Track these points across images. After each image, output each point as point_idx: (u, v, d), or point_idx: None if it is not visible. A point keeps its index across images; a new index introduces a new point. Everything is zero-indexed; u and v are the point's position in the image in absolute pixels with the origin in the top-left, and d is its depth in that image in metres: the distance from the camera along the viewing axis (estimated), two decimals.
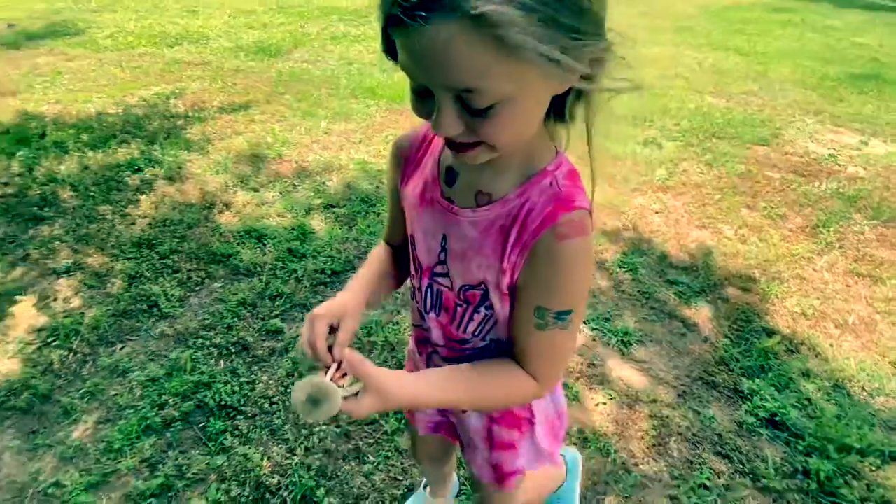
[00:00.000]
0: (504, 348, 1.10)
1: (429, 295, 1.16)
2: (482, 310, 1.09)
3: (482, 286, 1.05)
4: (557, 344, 1.01)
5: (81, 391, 2.43)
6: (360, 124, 5.07)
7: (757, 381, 2.57)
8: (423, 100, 0.82)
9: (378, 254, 1.31)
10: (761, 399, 2.47)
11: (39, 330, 2.73)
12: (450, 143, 0.88)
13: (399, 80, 5.84)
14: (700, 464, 2.22)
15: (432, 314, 1.17)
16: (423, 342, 1.25)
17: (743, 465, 2.22)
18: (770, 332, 2.86)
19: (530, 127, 0.87)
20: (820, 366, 2.69)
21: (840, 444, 2.28)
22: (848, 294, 3.19)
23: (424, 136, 1.14)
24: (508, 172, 0.98)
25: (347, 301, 1.10)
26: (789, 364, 2.67)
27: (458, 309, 1.12)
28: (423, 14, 0.69)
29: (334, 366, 1.01)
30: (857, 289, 3.24)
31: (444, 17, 0.69)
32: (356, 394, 0.97)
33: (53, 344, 2.66)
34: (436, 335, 1.20)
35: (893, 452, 2.27)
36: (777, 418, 2.39)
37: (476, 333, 1.14)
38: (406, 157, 1.16)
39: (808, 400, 2.49)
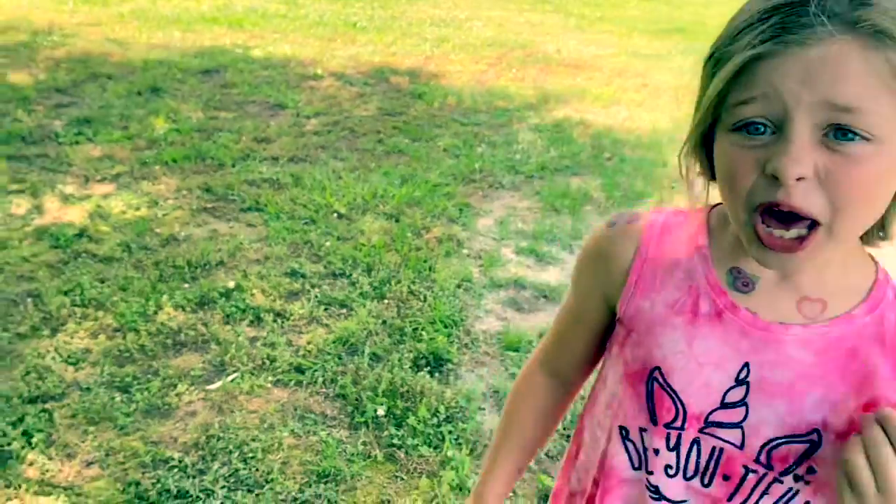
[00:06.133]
0: None
1: (694, 455, 0.84)
2: (787, 480, 0.80)
3: (812, 436, 0.78)
4: None
5: None
6: None
7: None
8: (748, 144, 0.69)
9: (534, 404, 1.06)
10: None
11: None
12: (766, 222, 0.70)
13: None
14: None
15: (695, 483, 0.85)
16: None
17: None
18: None
19: (881, 202, 0.71)
20: None
21: None
22: None
23: (653, 230, 0.88)
24: (840, 273, 0.80)
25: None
26: None
27: (749, 477, 0.82)
28: (823, 27, 0.64)
29: None
30: None
31: (842, 30, 0.64)
32: None
33: None
34: None
35: None
36: None
37: None
38: (638, 259, 0.87)
39: None
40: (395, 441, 2.50)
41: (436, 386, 2.77)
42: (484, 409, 2.70)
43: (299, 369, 2.84)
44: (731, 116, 0.70)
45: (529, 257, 3.85)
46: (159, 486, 2.27)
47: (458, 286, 3.49)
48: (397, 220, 4.15)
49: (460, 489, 2.32)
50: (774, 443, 0.79)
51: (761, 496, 0.81)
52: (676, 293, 0.83)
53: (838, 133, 0.65)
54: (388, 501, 2.28)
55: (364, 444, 2.50)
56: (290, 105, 6.11)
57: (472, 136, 5.70)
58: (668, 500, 0.86)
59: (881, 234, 0.77)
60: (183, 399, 2.65)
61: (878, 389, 0.76)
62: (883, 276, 0.81)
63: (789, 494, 0.81)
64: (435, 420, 2.59)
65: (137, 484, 2.27)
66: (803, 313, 0.79)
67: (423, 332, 3.08)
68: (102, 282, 3.33)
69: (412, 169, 4.92)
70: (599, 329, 0.97)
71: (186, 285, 3.36)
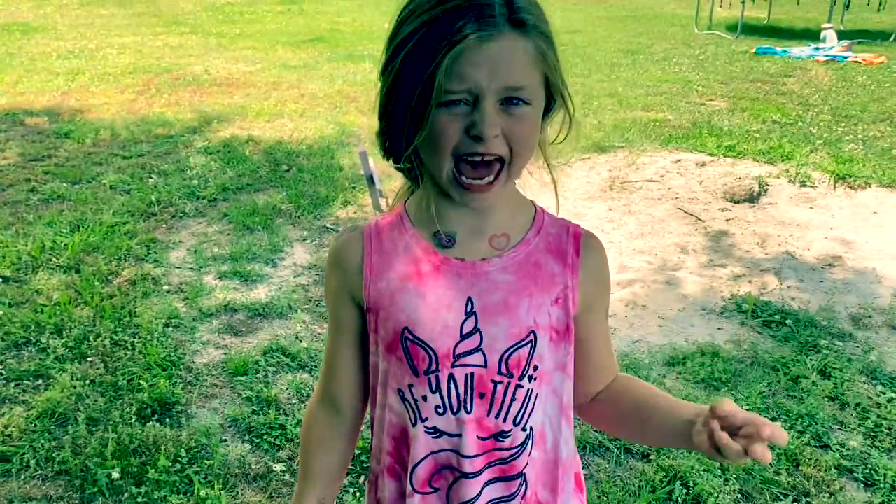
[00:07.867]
0: (542, 436, 1.06)
1: (453, 388, 1.01)
2: (525, 383, 1.02)
3: (530, 337, 1.01)
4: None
5: None
6: None
7: None
8: (455, 113, 0.92)
9: (318, 438, 1.16)
10: None
11: None
12: (465, 174, 0.95)
13: None
14: None
15: (462, 413, 1.01)
16: (442, 471, 1.05)
17: None
18: None
19: (535, 142, 0.99)
20: None
21: None
22: None
23: (371, 229, 1.08)
24: (513, 213, 1.06)
25: None
26: None
27: (498, 389, 1.01)
28: (508, 29, 0.90)
29: None
30: None
31: (513, 31, 0.90)
32: None
33: None
34: (468, 443, 1.02)
35: None
36: None
37: (517, 420, 1.03)
38: (367, 254, 1.06)
39: None
40: (140, 500, 2.32)
41: (169, 432, 2.62)
42: (226, 440, 2.63)
43: (3, 457, 2.49)
44: (439, 97, 0.90)
45: (234, 280, 3.78)
46: None
47: (167, 325, 3.32)
48: (78, 272, 3.78)
49: None
50: (507, 353, 1.01)
51: (511, 403, 1.02)
52: (403, 267, 1.04)
53: (511, 102, 0.92)
54: None
55: None
56: None
57: (138, 168, 5.38)
58: (446, 434, 1.02)
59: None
60: None
61: (557, 284, 1.04)
62: (539, 209, 1.10)
63: (529, 396, 1.03)
64: (178, 466, 2.47)
65: None
66: (495, 246, 1.04)
67: (141, 381, 2.88)
68: None
69: (80, 213, 4.51)
70: (359, 339, 1.11)
71: None
